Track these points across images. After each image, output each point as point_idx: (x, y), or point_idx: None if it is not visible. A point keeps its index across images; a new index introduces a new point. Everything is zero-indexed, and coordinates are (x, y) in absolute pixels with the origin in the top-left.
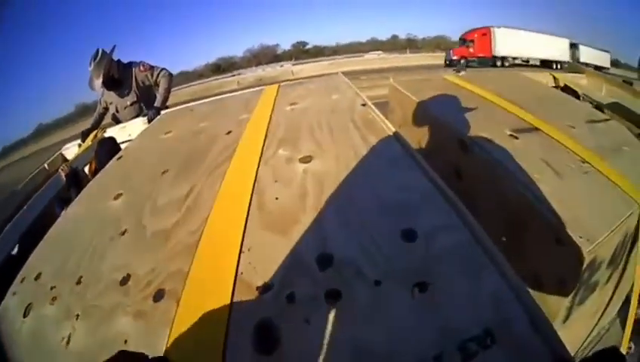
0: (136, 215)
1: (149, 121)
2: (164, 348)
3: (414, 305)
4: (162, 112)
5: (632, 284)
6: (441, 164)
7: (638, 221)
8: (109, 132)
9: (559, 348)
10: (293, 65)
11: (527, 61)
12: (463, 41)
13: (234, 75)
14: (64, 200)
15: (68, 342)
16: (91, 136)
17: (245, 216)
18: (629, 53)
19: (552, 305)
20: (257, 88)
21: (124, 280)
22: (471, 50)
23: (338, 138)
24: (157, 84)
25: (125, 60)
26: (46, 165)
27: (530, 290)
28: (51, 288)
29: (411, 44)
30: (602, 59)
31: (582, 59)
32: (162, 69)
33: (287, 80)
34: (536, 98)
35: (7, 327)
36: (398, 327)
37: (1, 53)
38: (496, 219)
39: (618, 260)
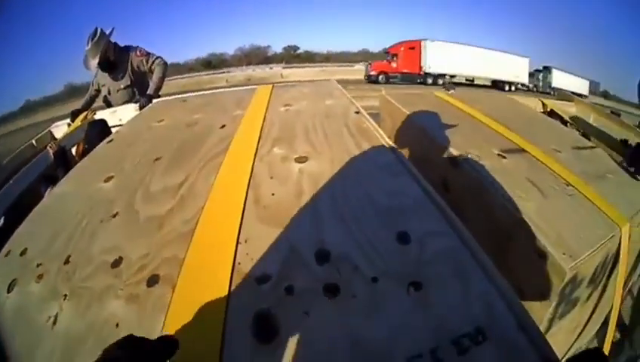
0: (128, 199)
1: (141, 108)
2: (159, 333)
3: (410, 302)
4: (154, 101)
5: (611, 307)
6: (429, 175)
7: (619, 245)
8: (100, 115)
9: (545, 347)
10: (284, 68)
11: (472, 80)
12: (387, 54)
13: (224, 72)
14: (50, 178)
15: (54, 322)
16: (81, 116)
17: (241, 209)
18: (618, 86)
19: (534, 316)
20: (250, 87)
21: (116, 263)
22: (393, 65)
23: (333, 142)
24: (151, 71)
25: (121, 44)
26: (34, 141)
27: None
28: (37, 265)
29: None
30: (580, 86)
31: (555, 84)
32: (158, 57)
33: (277, 83)
34: (525, 121)
35: None
36: (395, 322)
37: None
38: (481, 231)
39: (598, 281)
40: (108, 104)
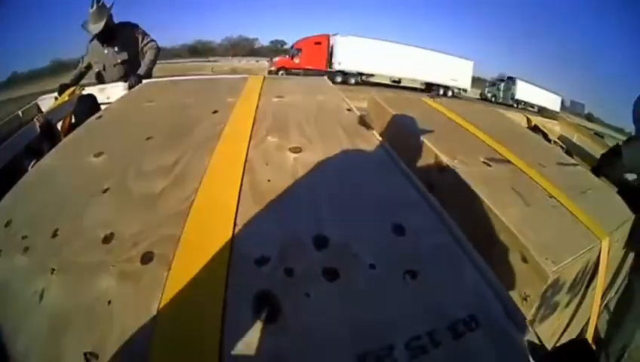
0: (120, 175)
1: (130, 88)
2: (155, 311)
3: (407, 288)
4: (143, 81)
5: (588, 319)
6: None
7: (598, 257)
8: (88, 91)
9: (531, 336)
10: (269, 62)
11: (399, 81)
12: (292, 49)
13: (209, 61)
14: (34, 150)
15: (41, 297)
16: (69, 91)
17: (238, 192)
18: (603, 109)
19: None
20: (241, 75)
21: (107, 239)
22: (296, 60)
23: (326, 136)
24: (143, 53)
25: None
26: (20, 112)
27: None
28: (23, 237)
29: None
30: (549, 101)
31: (519, 96)
32: (152, 40)
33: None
34: (510, 134)
35: None
36: (393, 307)
37: None
38: (465, 233)
39: (577, 289)
40: (100, 80)
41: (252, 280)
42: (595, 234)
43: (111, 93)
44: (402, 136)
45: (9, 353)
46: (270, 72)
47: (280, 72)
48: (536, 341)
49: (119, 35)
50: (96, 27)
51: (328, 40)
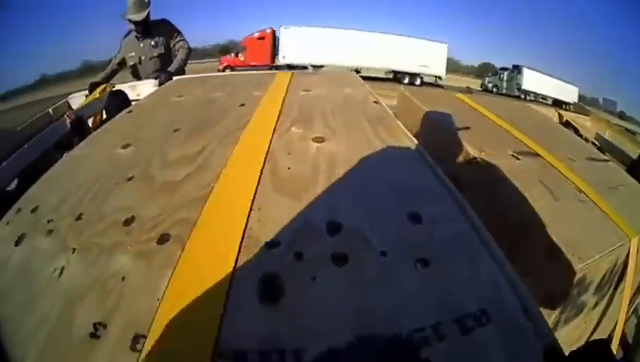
0: (145, 165)
1: (160, 84)
2: (164, 289)
3: (417, 277)
4: (174, 78)
5: (616, 323)
6: (442, 171)
7: (627, 254)
8: (119, 88)
9: (548, 333)
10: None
11: (358, 71)
12: (239, 46)
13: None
14: (65, 146)
15: (60, 274)
16: (99, 88)
17: (257, 179)
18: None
19: None
20: (270, 71)
21: (128, 222)
22: (241, 58)
23: (351, 126)
24: (174, 50)
25: None
26: (51, 110)
27: None
28: (48, 221)
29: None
30: (565, 92)
31: (525, 86)
32: (184, 40)
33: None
34: (540, 128)
35: None
36: (400, 295)
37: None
38: (491, 229)
39: (605, 290)
40: (136, 74)
41: (260, 263)
42: (625, 232)
43: (142, 90)
44: (430, 129)
45: (25, 323)
46: (218, 71)
47: (226, 71)
48: (555, 341)
49: (155, 30)
50: (139, 15)
51: (273, 34)
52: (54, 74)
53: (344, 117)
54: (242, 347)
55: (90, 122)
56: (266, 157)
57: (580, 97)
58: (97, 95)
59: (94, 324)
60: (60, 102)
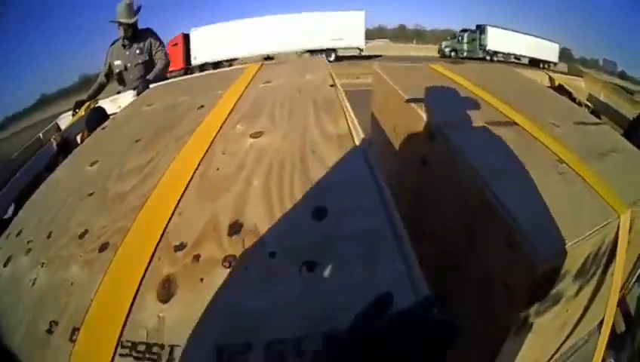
0: (105, 179)
1: (138, 94)
2: (95, 290)
3: (298, 281)
4: (151, 86)
5: (607, 303)
6: (411, 150)
7: (616, 233)
8: (100, 104)
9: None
10: None
11: (272, 58)
12: None
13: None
14: (53, 168)
15: (33, 284)
16: (84, 106)
17: (187, 183)
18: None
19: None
20: (238, 67)
21: (82, 235)
22: None
23: (294, 116)
24: (154, 59)
25: None
26: (41, 135)
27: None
28: (28, 242)
29: (419, 35)
30: (541, 50)
31: (492, 47)
32: (164, 51)
33: None
34: (523, 93)
35: None
36: (276, 300)
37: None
38: (453, 211)
39: (590, 275)
40: (122, 81)
41: (164, 266)
42: (613, 207)
43: (122, 102)
44: (400, 107)
45: (8, 326)
46: None
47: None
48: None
49: (141, 38)
50: (130, 19)
51: (185, 38)
52: (54, 92)
53: (293, 107)
54: (136, 339)
55: (78, 139)
56: (202, 160)
57: (581, 59)
58: (83, 113)
59: (50, 322)
60: (49, 126)
